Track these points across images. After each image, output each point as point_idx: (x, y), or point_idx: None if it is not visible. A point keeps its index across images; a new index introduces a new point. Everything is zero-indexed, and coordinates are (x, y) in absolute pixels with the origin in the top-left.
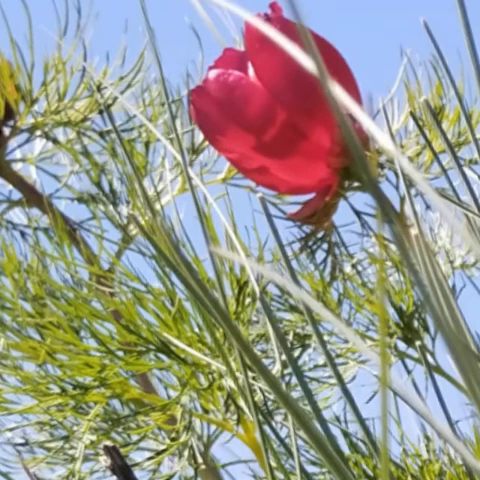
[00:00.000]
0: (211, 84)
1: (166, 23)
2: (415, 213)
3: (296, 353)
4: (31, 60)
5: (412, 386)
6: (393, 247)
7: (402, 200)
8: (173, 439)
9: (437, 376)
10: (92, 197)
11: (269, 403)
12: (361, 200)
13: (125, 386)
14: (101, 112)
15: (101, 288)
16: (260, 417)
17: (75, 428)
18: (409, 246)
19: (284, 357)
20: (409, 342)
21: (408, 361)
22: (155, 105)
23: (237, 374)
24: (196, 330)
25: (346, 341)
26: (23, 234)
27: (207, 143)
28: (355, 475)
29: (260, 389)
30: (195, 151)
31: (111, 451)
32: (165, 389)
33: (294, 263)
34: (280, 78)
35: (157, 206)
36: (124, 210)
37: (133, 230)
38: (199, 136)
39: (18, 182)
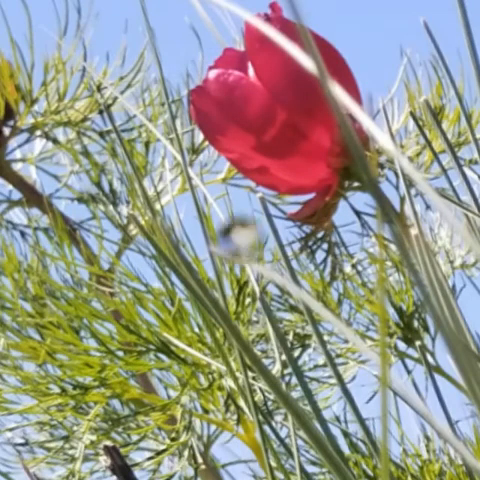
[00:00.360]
0: (211, 84)
1: (166, 23)
2: (415, 213)
3: (296, 353)
4: (31, 60)
5: (412, 386)
6: (393, 247)
7: (402, 200)
8: (173, 439)
9: (437, 376)
10: (92, 197)
11: (269, 403)
12: (361, 200)
13: (125, 386)
14: (101, 112)
15: (101, 288)
16: (260, 417)
17: (75, 428)
18: (409, 246)
19: (284, 357)
20: (409, 342)
21: (408, 361)
22: (155, 105)
23: (237, 374)
24: (196, 330)
25: (346, 341)
26: (23, 234)
27: (207, 143)
28: (355, 475)
29: (260, 389)
30: (195, 151)
31: (111, 451)
32: (165, 389)
33: (294, 263)
34: (280, 78)
35: (157, 206)
36: (124, 210)
37: (133, 230)
38: (199, 136)
39: (18, 182)
